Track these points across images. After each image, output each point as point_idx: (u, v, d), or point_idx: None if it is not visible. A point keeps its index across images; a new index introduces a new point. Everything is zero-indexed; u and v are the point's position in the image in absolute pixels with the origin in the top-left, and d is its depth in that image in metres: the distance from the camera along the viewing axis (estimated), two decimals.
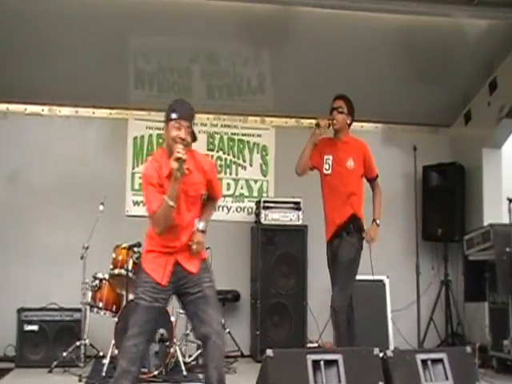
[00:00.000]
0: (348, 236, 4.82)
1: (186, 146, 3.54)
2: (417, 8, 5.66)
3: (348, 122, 4.92)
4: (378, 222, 4.95)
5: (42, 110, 6.57)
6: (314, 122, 4.89)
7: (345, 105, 4.89)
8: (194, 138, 3.70)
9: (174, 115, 3.60)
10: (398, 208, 6.82)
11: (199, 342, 4.53)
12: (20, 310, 5.68)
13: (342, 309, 4.68)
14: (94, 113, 6.65)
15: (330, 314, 4.81)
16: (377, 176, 5.01)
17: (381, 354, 3.91)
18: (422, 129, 7.08)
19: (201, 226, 3.74)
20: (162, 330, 5.13)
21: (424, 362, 3.93)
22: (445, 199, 6.76)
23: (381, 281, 6.49)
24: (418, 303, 5.82)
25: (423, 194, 6.87)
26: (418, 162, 6.21)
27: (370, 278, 5.49)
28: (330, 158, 4.90)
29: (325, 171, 4.91)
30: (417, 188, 6.36)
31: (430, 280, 6.79)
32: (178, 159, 3.46)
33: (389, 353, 3.93)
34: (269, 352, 3.71)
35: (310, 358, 3.73)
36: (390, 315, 6.38)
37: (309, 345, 6.19)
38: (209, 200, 3.91)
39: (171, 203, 3.51)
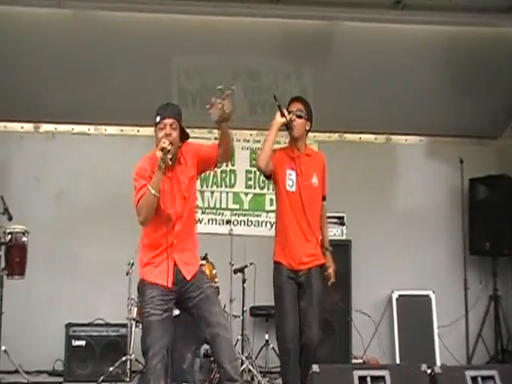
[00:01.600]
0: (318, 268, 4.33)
1: (171, 142, 3.66)
2: (462, 19, 5.61)
3: (307, 128, 4.40)
4: (330, 249, 4.43)
5: (89, 130, 6.70)
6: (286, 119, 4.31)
7: (304, 108, 4.37)
8: (185, 135, 3.85)
9: (157, 119, 3.81)
10: (444, 222, 6.72)
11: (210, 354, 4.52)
12: (68, 326, 5.77)
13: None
14: (138, 131, 6.75)
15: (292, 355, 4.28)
16: (325, 197, 4.49)
17: (428, 371, 3.83)
18: (468, 141, 6.95)
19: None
20: (206, 346, 5.14)
21: (474, 379, 3.82)
22: (493, 212, 6.61)
23: (427, 296, 6.40)
24: (466, 318, 5.70)
25: (470, 207, 6.74)
26: (464, 175, 6.13)
27: (416, 293, 5.44)
28: (293, 173, 4.31)
29: (288, 187, 4.29)
30: (464, 201, 6.26)
31: (477, 295, 6.63)
32: (162, 149, 3.62)
33: (437, 369, 3.84)
34: (315, 367, 3.68)
35: (357, 373, 3.68)
36: (436, 331, 6.27)
37: (353, 361, 6.11)
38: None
39: (153, 191, 3.64)
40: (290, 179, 4.29)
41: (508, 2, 5.59)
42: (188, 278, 3.77)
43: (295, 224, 4.31)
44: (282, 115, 4.33)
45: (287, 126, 4.36)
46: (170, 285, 3.71)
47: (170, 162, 3.67)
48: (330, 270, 4.39)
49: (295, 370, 4.24)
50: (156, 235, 3.79)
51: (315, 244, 4.34)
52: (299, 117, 4.37)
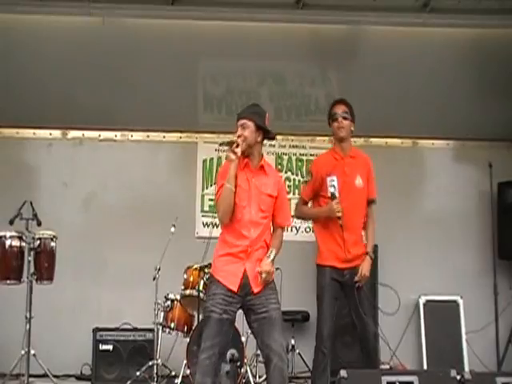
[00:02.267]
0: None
1: (243, 139, 3.72)
2: (490, 21, 5.57)
3: (352, 128, 4.46)
4: (371, 255, 4.37)
5: (115, 136, 6.75)
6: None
7: (348, 109, 4.44)
8: (269, 134, 3.89)
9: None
10: (473, 226, 6.65)
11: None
12: (95, 330, 5.81)
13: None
14: (164, 137, 6.79)
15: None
16: (375, 200, 4.48)
17: (458, 377, 3.79)
18: (497, 144, 6.85)
19: (272, 254, 3.77)
20: (232, 350, 5.13)
21: None
22: None
23: (454, 301, 6.33)
24: (496, 324, 5.63)
25: (499, 211, 6.64)
26: (493, 179, 6.06)
27: (443, 298, 5.38)
28: (335, 178, 4.27)
29: (329, 194, 4.27)
30: (493, 205, 6.18)
31: (508, 300, 6.52)
32: (230, 141, 3.71)
33: (466, 375, 3.80)
34: (343, 373, 3.67)
35: (385, 379, 3.67)
36: (464, 336, 6.19)
37: (380, 366, 6.05)
38: (275, 228, 3.92)
39: (228, 185, 3.67)
40: (332, 186, 4.26)
41: None
42: (255, 290, 3.74)
43: (337, 230, 4.28)
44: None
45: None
46: (235, 289, 3.71)
47: (239, 154, 3.70)
48: (359, 274, 4.31)
49: None
50: (232, 235, 3.78)
51: (360, 243, 4.38)
52: (345, 118, 4.43)
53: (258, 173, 3.83)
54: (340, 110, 4.46)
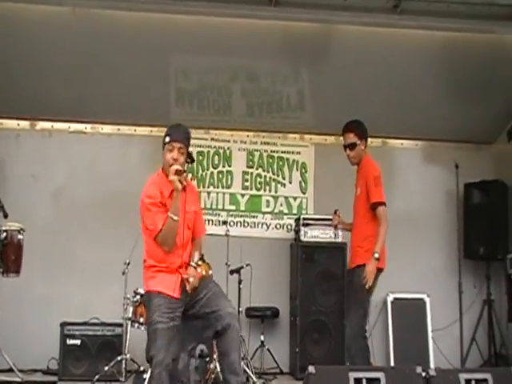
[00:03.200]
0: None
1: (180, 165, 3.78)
2: (458, 24, 5.65)
3: (363, 147, 4.80)
4: (376, 255, 4.49)
5: (85, 128, 6.69)
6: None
7: (354, 135, 4.76)
8: (191, 159, 3.92)
9: (166, 139, 3.89)
10: (440, 226, 6.76)
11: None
12: (63, 324, 5.76)
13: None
14: (135, 130, 6.76)
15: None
16: (377, 204, 4.61)
17: (423, 373, 3.86)
18: (463, 146, 6.99)
19: (195, 259, 3.93)
20: (201, 346, 5.15)
21: (468, 381, 3.87)
22: (487, 217, 6.65)
23: (421, 299, 6.43)
24: (460, 322, 5.74)
25: (465, 211, 6.78)
26: (460, 180, 6.16)
27: (411, 296, 5.46)
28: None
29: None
30: (459, 206, 6.30)
31: (471, 299, 6.67)
32: (176, 171, 3.73)
33: (431, 372, 3.87)
34: (311, 369, 3.70)
35: (353, 375, 3.71)
36: (430, 334, 6.30)
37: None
38: (195, 239, 4.06)
39: (175, 218, 3.73)
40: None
41: (504, 9, 5.62)
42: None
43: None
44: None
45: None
46: (176, 295, 3.79)
47: (185, 183, 3.81)
48: (364, 274, 4.51)
49: None
50: (165, 258, 3.85)
51: (356, 248, 4.72)
52: (352, 149, 4.77)
53: (182, 193, 3.85)
54: (346, 141, 4.79)
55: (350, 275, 4.77)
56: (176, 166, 3.74)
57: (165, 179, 3.86)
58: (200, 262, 3.97)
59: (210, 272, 5.41)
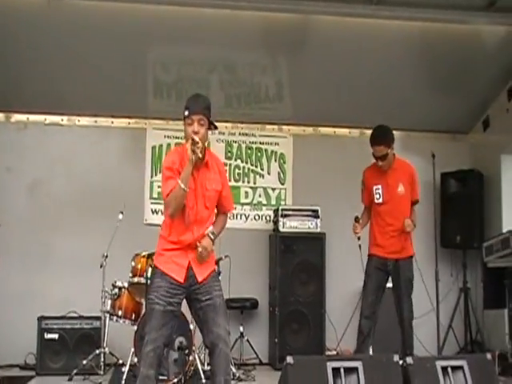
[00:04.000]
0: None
1: (200, 138, 3.67)
2: (435, 15, 5.68)
3: (393, 153, 5.03)
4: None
5: (62, 120, 6.64)
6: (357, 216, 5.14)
7: (385, 147, 4.94)
8: (214, 126, 3.85)
9: (186, 113, 3.77)
10: (417, 215, 6.79)
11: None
12: (40, 319, 5.72)
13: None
14: (112, 122, 6.71)
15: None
16: (418, 201, 5.20)
17: (401, 361, 3.90)
18: (440, 136, 7.06)
19: (210, 232, 3.79)
20: (180, 338, 5.15)
21: (444, 369, 3.91)
22: (463, 206, 6.73)
23: None
24: (437, 311, 5.79)
25: (442, 201, 6.84)
26: (436, 169, 6.18)
27: (389, 285, 5.47)
28: (380, 187, 5.07)
29: (375, 200, 5.09)
30: (435, 195, 6.33)
31: (448, 287, 6.75)
32: (193, 142, 3.63)
33: (409, 360, 3.91)
34: (289, 359, 3.71)
35: (330, 365, 3.72)
36: None
37: (327, 352, 6.17)
38: (219, 214, 3.96)
39: (183, 186, 3.62)
40: (377, 193, 5.07)
41: (480, 0, 5.66)
42: (199, 279, 3.76)
43: (382, 230, 5.12)
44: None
45: None
46: (181, 280, 3.71)
47: (200, 155, 3.68)
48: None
49: None
50: (177, 232, 3.76)
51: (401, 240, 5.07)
52: (383, 158, 4.98)
53: (203, 169, 3.79)
54: (378, 153, 4.99)
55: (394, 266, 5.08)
56: (195, 137, 3.64)
57: (186, 151, 3.73)
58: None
59: None
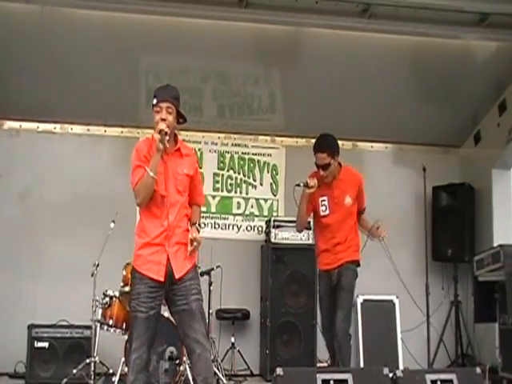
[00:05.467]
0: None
1: (168, 126, 3.69)
2: (427, 29, 5.73)
3: (336, 164, 4.77)
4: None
5: (54, 128, 6.64)
6: (299, 183, 4.76)
7: (327, 155, 4.68)
8: (183, 118, 3.85)
9: (154, 101, 3.80)
10: (408, 228, 6.84)
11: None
12: (30, 327, 5.70)
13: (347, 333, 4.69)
14: (105, 131, 6.72)
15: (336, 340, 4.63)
16: (365, 209, 4.96)
17: (390, 374, 3.90)
18: (432, 149, 7.10)
19: (195, 222, 3.83)
20: (171, 348, 5.13)
21: (434, 382, 3.91)
22: (455, 220, 6.76)
23: (390, 301, 6.50)
24: (427, 323, 5.81)
25: (433, 214, 6.87)
26: (427, 183, 6.25)
27: (380, 297, 5.52)
28: (326, 198, 4.79)
29: (321, 213, 4.81)
30: (427, 208, 6.38)
31: (439, 300, 6.76)
32: (160, 131, 3.65)
33: (398, 373, 3.91)
34: (279, 371, 3.71)
35: (320, 377, 3.73)
36: (399, 335, 6.37)
37: (318, 364, 6.16)
38: (193, 206, 3.93)
39: (151, 174, 3.64)
40: (324, 205, 4.79)
41: (470, 16, 5.71)
42: (176, 276, 3.69)
43: (327, 242, 4.82)
44: (310, 187, 4.70)
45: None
46: (161, 278, 3.67)
47: (168, 145, 3.70)
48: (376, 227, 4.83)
49: None
50: (150, 226, 3.73)
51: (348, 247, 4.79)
52: (326, 168, 4.70)
53: (174, 154, 3.80)
54: (320, 161, 4.72)
55: (337, 274, 4.76)
56: (160, 125, 3.67)
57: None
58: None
59: None
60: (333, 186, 4.79)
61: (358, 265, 4.83)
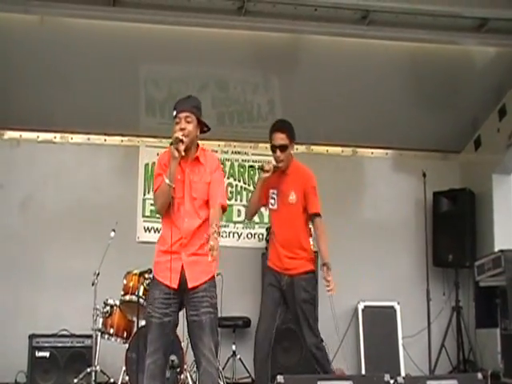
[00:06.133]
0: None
1: (186, 135, 3.67)
2: (426, 35, 5.74)
3: (292, 151, 4.61)
4: (329, 265, 4.38)
5: (54, 138, 6.65)
6: (255, 165, 4.66)
7: (286, 136, 4.54)
8: (206, 126, 3.85)
9: (174, 113, 3.78)
10: (409, 234, 6.83)
11: None
12: (31, 336, 5.68)
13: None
14: (105, 140, 6.73)
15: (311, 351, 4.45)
16: (317, 213, 4.54)
17: (392, 381, 3.89)
18: (432, 155, 7.10)
19: (213, 231, 3.58)
20: (172, 357, 5.10)
21: None
22: (455, 225, 6.75)
23: (391, 307, 6.48)
24: (428, 329, 5.79)
25: (433, 220, 6.86)
26: (428, 188, 6.24)
27: (381, 304, 5.50)
28: (275, 191, 4.58)
29: (270, 206, 4.60)
30: (427, 214, 6.36)
31: (441, 306, 6.74)
32: (175, 139, 3.64)
33: (400, 379, 3.90)
34: (280, 378, 3.71)
35: None
36: (401, 341, 6.35)
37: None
38: (211, 208, 3.80)
39: (167, 181, 3.65)
40: (272, 197, 4.55)
41: (469, 21, 5.72)
42: (189, 285, 3.68)
43: (281, 238, 4.54)
44: (265, 171, 4.52)
45: (275, 170, 4.52)
46: (175, 286, 3.67)
47: (183, 153, 3.67)
48: (328, 285, 4.35)
49: None
50: (168, 229, 3.74)
51: (302, 254, 4.51)
52: (283, 150, 4.52)
53: (192, 163, 3.79)
54: (277, 140, 4.55)
55: (287, 281, 4.49)
56: (177, 134, 3.66)
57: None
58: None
59: None
60: (282, 180, 4.58)
61: (313, 272, 4.58)
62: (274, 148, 4.58)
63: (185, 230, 3.71)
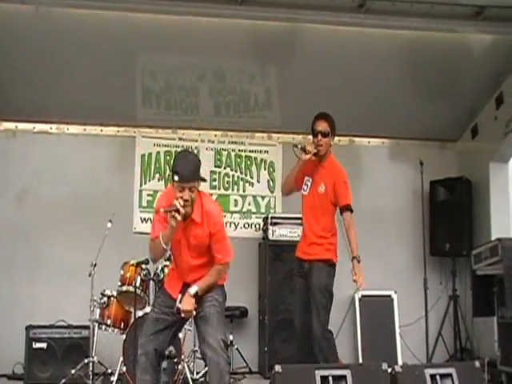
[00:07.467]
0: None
1: (188, 203, 3.67)
2: (423, 24, 5.72)
3: (331, 143, 4.73)
4: (358, 258, 4.53)
5: (50, 128, 6.62)
6: (298, 145, 4.67)
7: (328, 126, 4.66)
8: (203, 180, 3.85)
9: (175, 177, 3.68)
10: (406, 223, 6.83)
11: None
12: (28, 328, 5.68)
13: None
14: (101, 130, 6.70)
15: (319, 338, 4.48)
16: (347, 207, 4.64)
17: (389, 369, 3.90)
18: (428, 144, 7.09)
19: (191, 290, 3.73)
20: (170, 347, 5.12)
21: (433, 376, 3.91)
22: (452, 214, 6.75)
23: (389, 296, 6.50)
24: (426, 318, 5.81)
25: (431, 208, 6.86)
26: (425, 177, 6.23)
27: (378, 293, 5.50)
28: (310, 179, 4.73)
29: (303, 191, 4.76)
30: (424, 203, 6.37)
31: (438, 295, 6.76)
32: (175, 210, 3.61)
33: (397, 368, 3.91)
34: (277, 368, 3.71)
35: (319, 373, 3.73)
36: (398, 330, 6.37)
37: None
38: (214, 264, 3.89)
39: (163, 244, 3.69)
40: (306, 184, 4.74)
41: (467, 9, 5.70)
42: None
43: (308, 221, 4.73)
44: (306, 152, 4.63)
45: (315, 154, 4.66)
46: (175, 297, 3.79)
47: (180, 219, 3.64)
48: (355, 278, 4.51)
49: None
50: (175, 270, 4.05)
51: (320, 241, 4.63)
52: (325, 136, 4.65)
53: (189, 222, 3.76)
54: (320, 126, 4.67)
55: (307, 268, 4.64)
56: (176, 204, 3.60)
57: (173, 197, 3.71)
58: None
59: None
60: (317, 170, 4.71)
61: (331, 264, 4.64)
62: (315, 133, 4.69)
63: (190, 281, 3.83)
